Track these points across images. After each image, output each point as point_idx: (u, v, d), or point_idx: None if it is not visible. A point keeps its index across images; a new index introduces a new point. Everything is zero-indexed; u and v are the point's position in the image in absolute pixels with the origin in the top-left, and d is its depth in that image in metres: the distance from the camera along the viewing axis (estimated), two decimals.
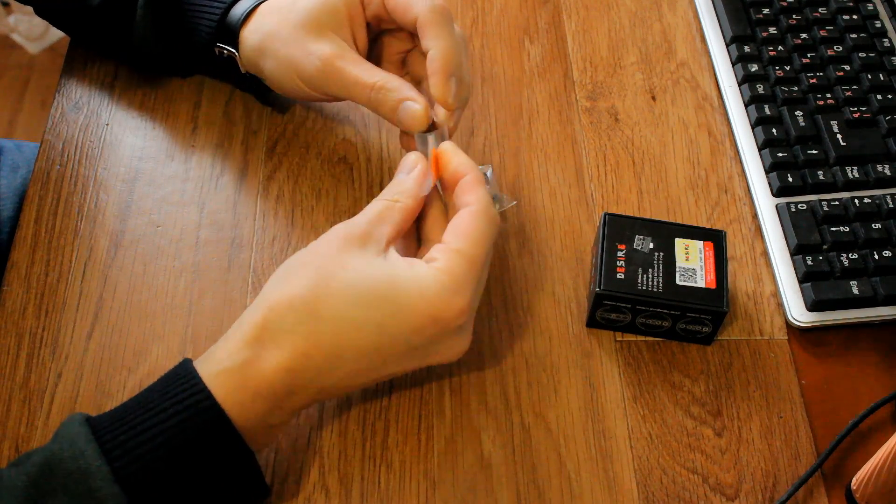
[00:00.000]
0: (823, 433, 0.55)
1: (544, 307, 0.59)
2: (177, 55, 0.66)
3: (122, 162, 0.65)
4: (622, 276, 0.56)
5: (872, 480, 0.50)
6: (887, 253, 0.59)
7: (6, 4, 1.88)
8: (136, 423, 0.44)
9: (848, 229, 0.60)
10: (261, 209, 0.62)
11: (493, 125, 0.68)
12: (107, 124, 0.67)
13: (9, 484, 0.43)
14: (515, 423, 0.55)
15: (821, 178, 0.63)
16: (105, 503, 0.42)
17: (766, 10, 0.72)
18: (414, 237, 0.54)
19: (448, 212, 0.54)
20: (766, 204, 0.63)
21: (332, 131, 0.67)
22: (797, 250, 0.60)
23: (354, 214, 0.60)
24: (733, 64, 0.70)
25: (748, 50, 0.70)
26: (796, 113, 0.66)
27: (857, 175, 0.63)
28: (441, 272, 0.47)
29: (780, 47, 0.70)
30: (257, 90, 0.65)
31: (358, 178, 0.64)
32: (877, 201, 0.62)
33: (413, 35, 0.58)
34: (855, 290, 0.58)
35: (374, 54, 0.61)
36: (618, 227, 0.58)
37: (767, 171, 0.64)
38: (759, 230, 0.63)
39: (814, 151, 0.64)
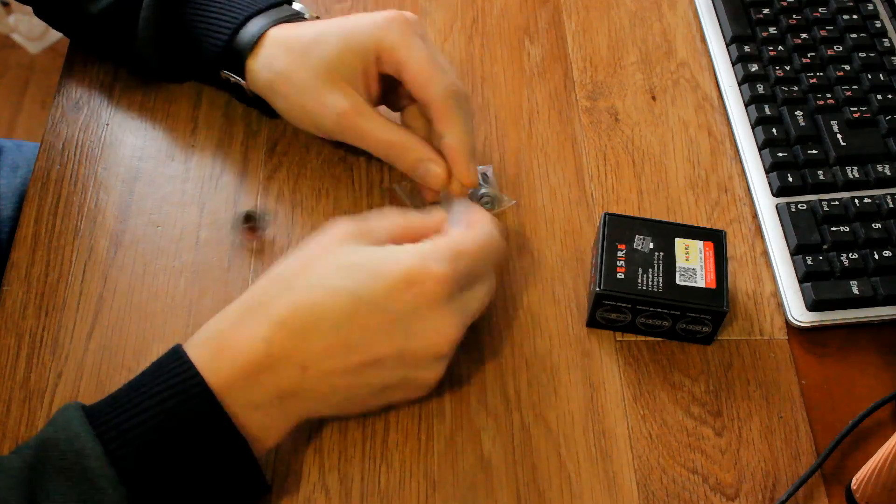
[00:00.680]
0: (823, 433, 0.55)
1: (544, 307, 0.59)
2: (179, 71, 0.66)
3: (122, 162, 0.65)
4: (622, 276, 0.56)
5: (872, 480, 0.50)
6: (887, 253, 0.59)
7: (6, 4, 1.88)
8: (128, 405, 0.45)
9: (848, 229, 0.60)
10: (261, 209, 0.62)
11: (493, 125, 0.68)
12: (107, 124, 0.67)
13: (7, 466, 0.44)
14: (515, 423, 0.55)
15: (821, 178, 0.63)
16: (99, 482, 0.43)
17: (766, 10, 0.72)
18: None
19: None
20: (766, 204, 0.63)
21: None
22: (797, 250, 0.60)
23: (354, 214, 0.60)
24: (733, 64, 0.70)
25: (748, 50, 0.70)
26: (796, 113, 0.66)
27: (857, 175, 0.63)
28: (423, 244, 0.49)
29: (780, 47, 0.70)
30: (261, 107, 0.65)
31: (358, 179, 0.64)
32: (877, 201, 0.62)
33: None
34: (855, 290, 0.58)
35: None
36: (618, 227, 0.58)
37: (767, 171, 0.64)
38: (759, 230, 0.63)
39: (814, 151, 0.64)
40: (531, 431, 0.54)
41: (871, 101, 0.66)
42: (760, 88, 0.68)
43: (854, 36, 0.70)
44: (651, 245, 0.57)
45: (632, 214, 0.62)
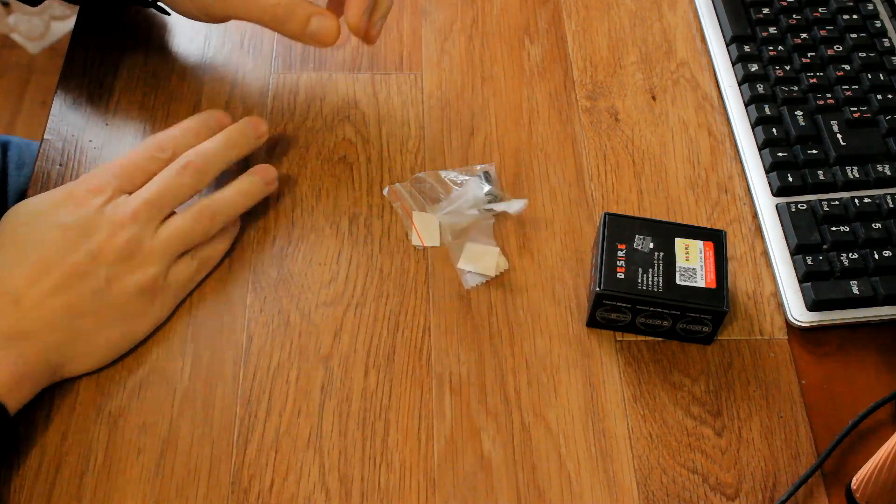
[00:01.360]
0: (823, 433, 0.55)
1: (544, 307, 0.59)
2: None
3: None
4: (622, 276, 0.56)
5: (873, 480, 0.50)
6: (887, 253, 0.59)
7: (6, 4, 1.88)
8: None
9: (848, 229, 0.60)
10: (261, 209, 0.62)
11: (493, 125, 0.68)
12: (106, 124, 0.67)
13: None
14: (515, 423, 0.55)
15: (821, 177, 0.63)
16: None
17: (766, 10, 0.72)
18: None
19: None
20: (766, 204, 0.63)
21: (332, 131, 0.67)
22: (797, 250, 0.60)
23: (354, 214, 0.60)
24: (733, 64, 0.70)
25: (748, 50, 0.70)
26: (796, 113, 0.66)
27: (857, 175, 0.63)
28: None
29: (780, 47, 0.70)
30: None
31: (358, 178, 0.64)
32: (877, 201, 0.62)
33: None
34: (855, 290, 0.58)
35: None
36: (618, 227, 0.58)
37: (767, 171, 0.64)
38: (759, 230, 0.63)
39: (814, 151, 0.64)
40: (531, 431, 0.54)
41: (871, 101, 0.66)
42: (760, 88, 0.68)
43: (854, 36, 0.70)
44: (651, 245, 0.57)
45: (632, 214, 0.62)
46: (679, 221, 0.63)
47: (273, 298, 0.59)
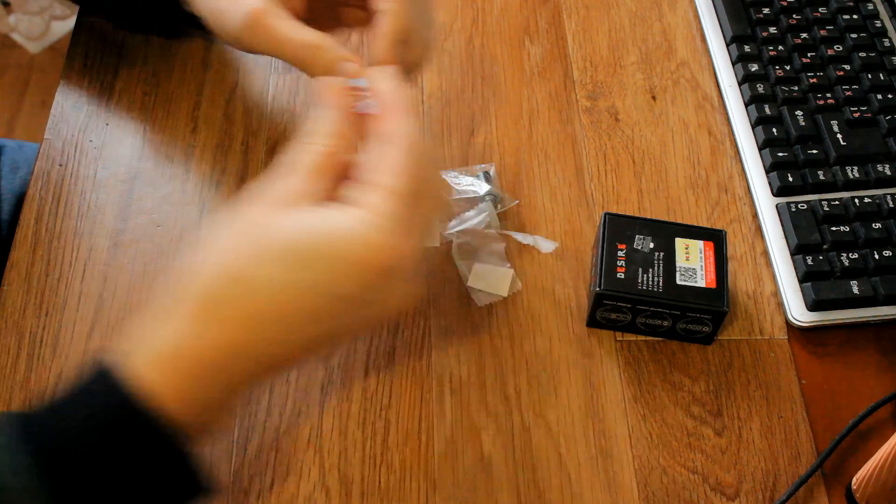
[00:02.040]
0: (823, 433, 0.55)
1: (544, 307, 0.59)
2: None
3: (122, 162, 0.65)
4: (622, 276, 0.56)
5: (873, 480, 0.50)
6: (887, 253, 0.59)
7: (6, 4, 1.88)
8: (72, 440, 0.40)
9: (848, 229, 0.60)
10: None
11: (493, 125, 0.68)
12: (106, 124, 0.67)
13: None
14: (515, 423, 0.55)
15: (821, 177, 0.63)
16: None
17: (766, 10, 0.72)
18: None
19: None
20: (766, 204, 0.63)
21: None
22: (797, 250, 0.60)
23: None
24: (733, 63, 0.70)
25: (748, 49, 0.70)
26: (796, 112, 0.66)
27: (857, 175, 0.63)
28: (371, 213, 0.42)
29: (780, 47, 0.70)
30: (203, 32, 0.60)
31: None
32: (877, 201, 0.62)
33: None
34: (855, 290, 0.58)
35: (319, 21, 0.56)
36: (618, 227, 0.58)
37: (767, 171, 0.64)
38: (759, 230, 0.63)
39: (814, 151, 0.64)
40: (531, 431, 0.54)
41: (871, 101, 0.66)
42: (760, 88, 0.68)
43: (854, 36, 0.70)
44: (651, 245, 0.57)
45: (632, 214, 0.62)
46: (679, 221, 0.63)
47: None
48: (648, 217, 0.61)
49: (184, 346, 0.41)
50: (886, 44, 0.70)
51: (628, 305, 0.56)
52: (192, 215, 0.62)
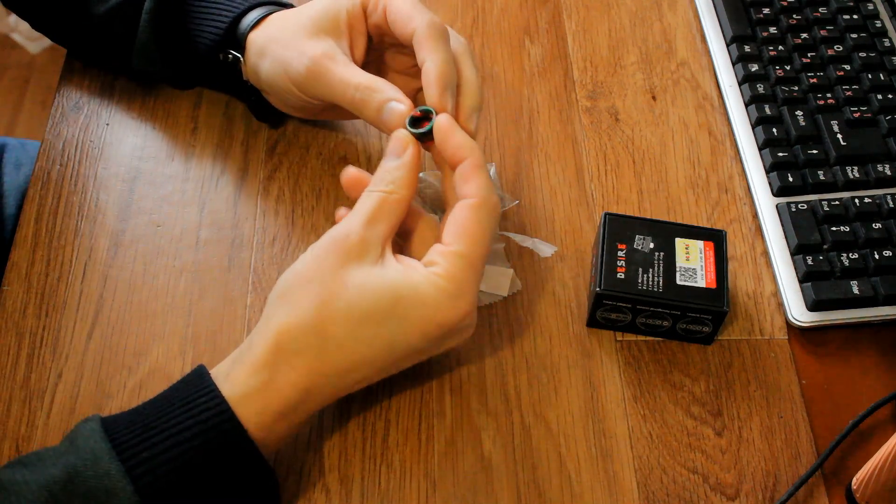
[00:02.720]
0: (823, 433, 0.55)
1: (544, 307, 0.59)
2: (177, 62, 0.64)
3: (122, 162, 0.65)
4: (622, 276, 0.56)
5: (873, 480, 0.50)
6: (887, 253, 0.59)
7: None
8: (158, 439, 0.44)
9: (848, 229, 0.60)
10: (261, 209, 0.62)
11: (493, 125, 0.68)
12: (107, 124, 0.67)
13: (30, 498, 0.43)
14: (515, 423, 0.55)
15: (821, 177, 0.63)
16: None
17: (766, 10, 0.72)
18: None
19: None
20: (766, 204, 0.63)
21: (332, 131, 0.67)
22: (797, 250, 0.60)
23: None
24: (733, 64, 0.70)
25: (748, 50, 0.70)
26: (796, 113, 0.66)
27: (857, 175, 0.63)
28: (443, 278, 0.48)
29: (780, 47, 0.70)
30: (256, 104, 0.64)
31: None
32: (877, 201, 0.62)
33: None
34: (855, 290, 0.58)
35: (380, 67, 0.61)
36: (618, 227, 0.58)
37: (768, 171, 0.64)
38: (759, 230, 0.63)
39: (814, 151, 0.64)
40: (531, 431, 0.54)
41: (872, 101, 0.66)
42: (761, 88, 0.68)
43: (854, 36, 0.70)
44: (651, 245, 0.57)
45: (632, 214, 0.62)
46: (679, 221, 0.63)
47: None
48: (648, 217, 0.61)
49: (264, 383, 0.47)
50: (886, 44, 0.70)
51: (628, 305, 0.56)
52: (192, 215, 0.62)
